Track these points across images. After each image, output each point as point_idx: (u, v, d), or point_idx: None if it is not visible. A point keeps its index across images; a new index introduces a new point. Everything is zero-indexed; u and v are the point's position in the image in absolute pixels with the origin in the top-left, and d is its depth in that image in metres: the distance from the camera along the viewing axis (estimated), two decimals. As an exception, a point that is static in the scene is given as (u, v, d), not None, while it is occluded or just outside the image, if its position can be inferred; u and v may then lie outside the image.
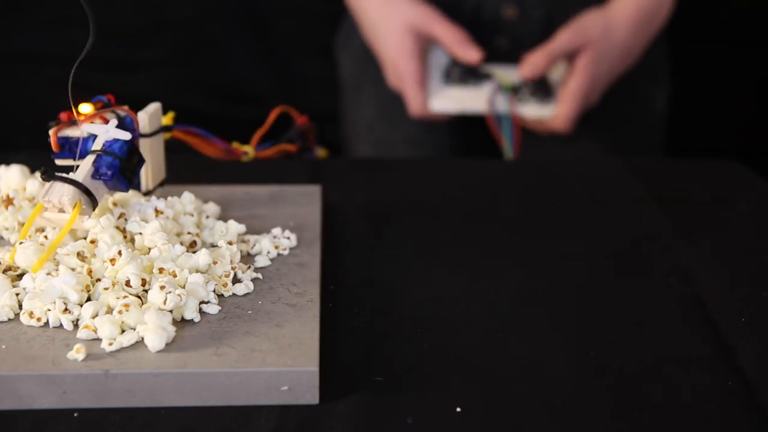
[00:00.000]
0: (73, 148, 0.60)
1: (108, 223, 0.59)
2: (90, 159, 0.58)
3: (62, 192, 0.57)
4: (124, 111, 0.61)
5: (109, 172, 0.58)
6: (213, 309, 0.56)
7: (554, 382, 0.53)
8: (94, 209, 0.58)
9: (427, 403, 0.51)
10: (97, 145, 0.59)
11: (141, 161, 0.60)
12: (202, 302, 0.56)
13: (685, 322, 0.60)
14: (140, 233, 0.59)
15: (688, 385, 0.53)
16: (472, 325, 0.59)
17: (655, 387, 0.53)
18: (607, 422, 0.50)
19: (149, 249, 0.59)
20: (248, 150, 0.72)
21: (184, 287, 0.56)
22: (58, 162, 0.60)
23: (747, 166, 0.87)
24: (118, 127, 0.60)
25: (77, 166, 0.58)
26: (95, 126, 0.60)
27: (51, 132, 0.59)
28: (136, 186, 0.65)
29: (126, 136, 0.59)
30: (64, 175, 0.57)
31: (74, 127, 0.60)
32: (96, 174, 0.58)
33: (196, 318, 0.55)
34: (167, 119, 0.66)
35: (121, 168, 0.58)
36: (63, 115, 0.60)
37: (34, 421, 0.49)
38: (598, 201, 0.79)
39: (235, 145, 0.71)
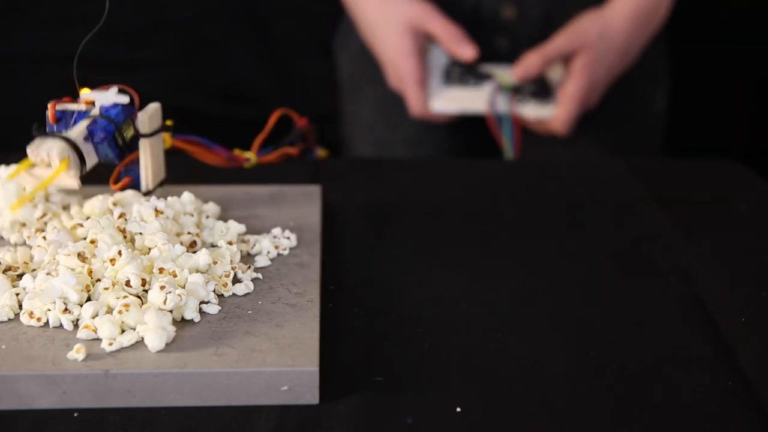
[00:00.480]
0: (68, 120, 0.59)
1: (108, 223, 0.59)
2: (85, 122, 0.58)
3: (51, 146, 0.56)
4: (123, 88, 0.61)
5: (102, 135, 0.58)
6: (213, 309, 0.56)
7: (554, 382, 0.53)
8: (82, 171, 0.57)
9: (427, 403, 0.51)
10: (95, 112, 0.59)
11: (136, 136, 0.60)
12: (202, 302, 0.56)
13: (685, 322, 0.60)
14: (140, 233, 0.59)
15: (688, 385, 0.53)
16: (472, 325, 0.59)
17: (655, 387, 0.53)
18: (607, 422, 0.50)
19: (149, 249, 0.59)
20: (250, 156, 0.72)
21: (184, 287, 0.56)
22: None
23: (747, 166, 0.87)
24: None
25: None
26: (94, 92, 0.59)
27: (49, 105, 0.59)
28: (135, 184, 0.65)
29: (125, 99, 0.59)
30: (57, 132, 0.57)
31: (74, 103, 0.60)
32: (89, 136, 0.58)
33: (196, 318, 0.55)
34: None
35: (115, 134, 0.58)
36: (66, 99, 0.61)
37: (34, 421, 0.49)
38: (598, 201, 0.79)
39: (237, 152, 0.71)
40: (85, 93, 0.59)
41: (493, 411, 0.50)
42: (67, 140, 0.56)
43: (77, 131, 0.57)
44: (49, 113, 0.59)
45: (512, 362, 0.55)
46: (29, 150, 0.57)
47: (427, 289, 0.63)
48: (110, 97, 0.59)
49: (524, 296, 0.63)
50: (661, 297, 0.63)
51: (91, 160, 0.58)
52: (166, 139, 0.67)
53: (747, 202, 0.80)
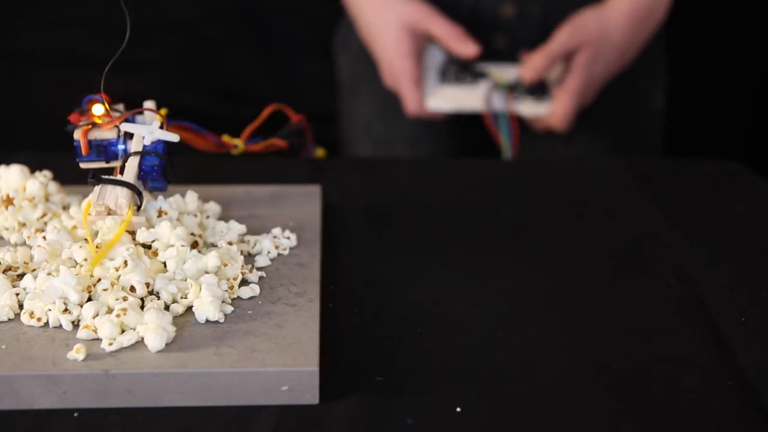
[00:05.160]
0: (101, 150, 0.59)
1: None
2: (136, 160, 0.58)
3: (117, 195, 0.56)
4: (153, 110, 0.61)
5: (155, 174, 0.58)
6: (228, 309, 0.55)
7: (554, 382, 0.53)
8: (139, 210, 0.58)
9: (427, 403, 0.51)
10: (137, 146, 0.59)
11: (173, 162, 0.61)
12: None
13: (685, 322, 0.60)
14: (154, 240, 0.59)
15: (688, 385, 0.53)
16: (472, 325, 0.59)
17: (655, 387, 0.53)
18: (607, 422, 0.50)
19: (159, 249, 0.58)
20: (238, 143, 0.72)
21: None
22: (84, 165, 0.60)
23: (747, 166, 0.87)
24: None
25: (120, 168, 0.58)
26: (138, 126, 0.59)
27: (79, 134, 0.59)
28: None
29: (175, 138, 0.59)
30: (113, 177, 0.57)
31: (102, 129, 0.59)
32: (143, 175, 0.58)
33: (221, 319, 0.54)
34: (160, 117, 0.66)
35: (164, 168, 0.58)
36: (73, 117, 0.60)
37: (34, 421, 0.49)
38: (598, 201, 0.79)
39: (226, 138, 0.71)
40: (126, 124, 0.59)
41: (493, 411, 0.51)
42: (130, 186, 0.57)
43: (132, 173, 0.57)
44: (82, 144, 0.58)
45: (512, 362, 0.55)
46: (93, 199, 0.57)
47: (427, 289, 0.63)
48: (156, 133, 0.59)
49: (524, 296, 0.63)
50: (661, 297, 0.63)
51: (144, 195, 0.58)
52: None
53: (747, 202, 0.80)
